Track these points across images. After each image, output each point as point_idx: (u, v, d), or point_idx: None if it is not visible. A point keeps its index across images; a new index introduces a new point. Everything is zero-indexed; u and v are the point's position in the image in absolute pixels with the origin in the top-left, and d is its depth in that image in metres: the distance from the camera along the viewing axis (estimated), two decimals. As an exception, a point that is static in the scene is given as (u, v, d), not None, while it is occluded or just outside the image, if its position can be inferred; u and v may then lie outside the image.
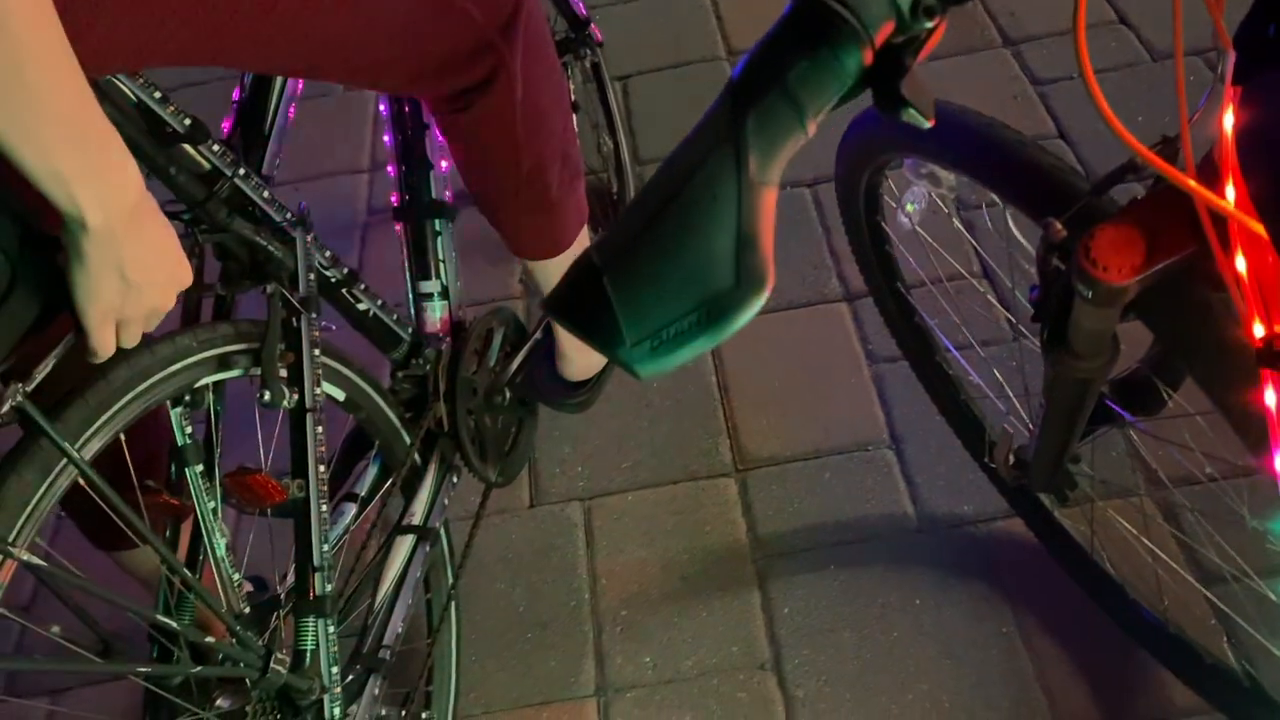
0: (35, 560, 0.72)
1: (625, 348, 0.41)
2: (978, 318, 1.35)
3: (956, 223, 1.07)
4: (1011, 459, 1.05)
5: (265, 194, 0.98)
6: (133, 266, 0.71)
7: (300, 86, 1.07)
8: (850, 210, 1.17)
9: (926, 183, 0.93)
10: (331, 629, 0.95)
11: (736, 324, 0.42)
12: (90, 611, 0.81)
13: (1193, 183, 0.57)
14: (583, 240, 1.23)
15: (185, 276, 0.77)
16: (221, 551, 0.91)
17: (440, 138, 1.21)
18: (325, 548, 0.96)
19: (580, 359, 1.34)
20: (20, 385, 0.72)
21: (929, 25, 0.44)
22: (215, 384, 0.92)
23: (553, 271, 1.23)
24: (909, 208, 0.98)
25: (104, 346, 0.76)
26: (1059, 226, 0.70)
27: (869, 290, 1.32)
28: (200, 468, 0.90)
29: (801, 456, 1.47)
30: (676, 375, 1.59)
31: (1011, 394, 1.16)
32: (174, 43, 0.81)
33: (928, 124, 0.44)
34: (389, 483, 1.18)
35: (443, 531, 1.23)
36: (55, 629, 0.79)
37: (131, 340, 0.78)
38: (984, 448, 1.25)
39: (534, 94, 1.05)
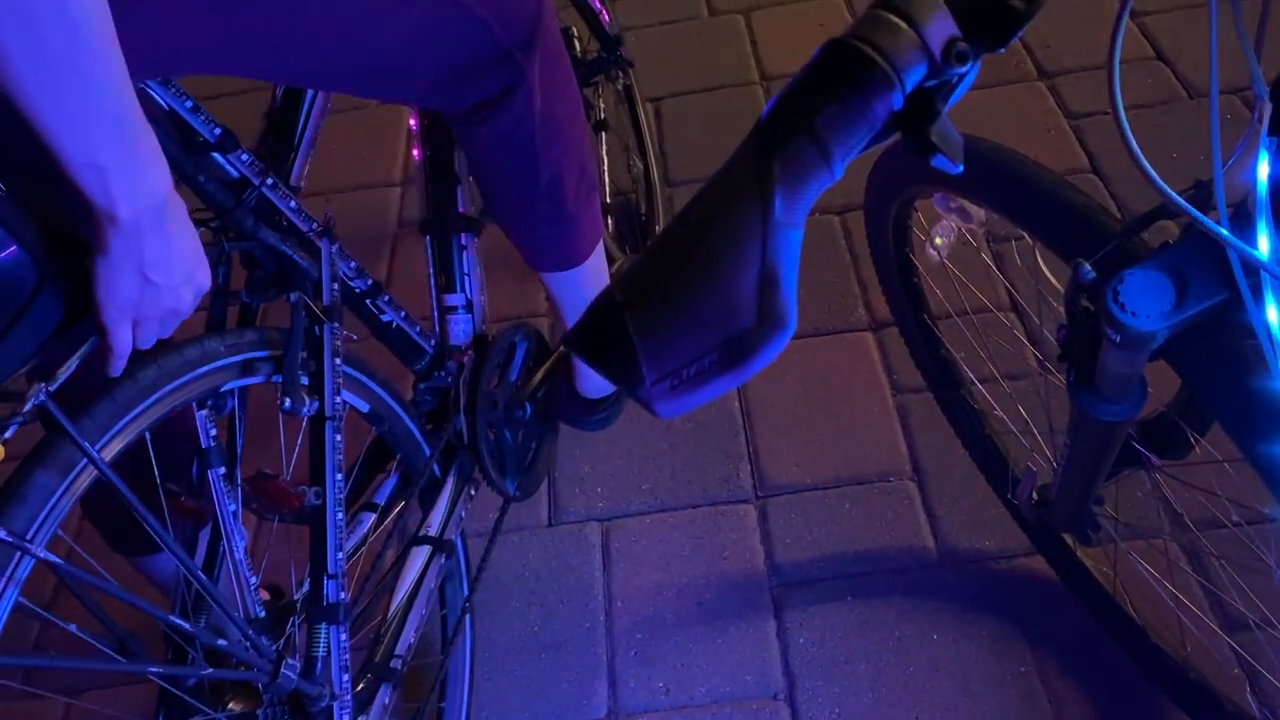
0: (53, 558, 0.73)
1: (645, 386, 0.40)
2: (1004, 352, 1.34)
3: (986, 257, 1.06)
4: (1035, 497, 1.04)
5: (293, 204, 0.99)
6: (154, 265, 0.72)
7: (330, 99, 1.08)
8: (878, 241, 1.17)
9: (956, 217, 0.92)
10: (344, 636, 0.95)
11: (757, 365, 0.41)
12: (107, 611, 0.81)
13: (1225, 232, 0.57)
14: (599, 254, 1.23)
15: (204, 281, 0.78)
16: (240, 555, 0.92)
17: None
18: (339, 556, 0.96)
19: (598, 377, 1.34)
20: (44, 384, 0.73)
21: (961, 71, 0.44)
22: (239, 389, 0.93)
23: (568, 284, 1.23)
24: (938, 241, 0.97)
25: (120, 344, 0.76)
26: (1089, 268, 0.70)
27: (895, 320, 1.31)
28: (223, 471, 0.91)
29: (822, 485, 1.46)
30: (699, 398, 1.59)
31: (1036, 431, 1.15)
32: (202, 52, 0.82)
33: (957, 170, 0.44)
34: (408, 493, 1.18)
35: (459, 544, 1.23)
36: (74, 627, 0.79)
37: (147, 340, 0.78)
38: (1007, 483, 1.24)
39: (551, 107, 1.06)
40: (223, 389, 0.91)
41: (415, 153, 1.27)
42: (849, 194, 1.73)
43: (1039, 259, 0.89)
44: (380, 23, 0.88)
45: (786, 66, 2.14)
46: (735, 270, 0.41)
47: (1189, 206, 0.56)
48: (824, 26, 2.22)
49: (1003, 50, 0.44)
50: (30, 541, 0.73)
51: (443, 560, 1.15)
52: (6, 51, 0.60)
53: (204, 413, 0.90)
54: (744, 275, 0.41)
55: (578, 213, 1.14)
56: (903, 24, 0.43)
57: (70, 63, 0.62)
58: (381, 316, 1.14)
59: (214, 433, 0.90)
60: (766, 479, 1.48)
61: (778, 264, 0.41)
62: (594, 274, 1.22)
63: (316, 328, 0.97)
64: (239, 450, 0.95)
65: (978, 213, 0.91)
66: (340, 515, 0.96)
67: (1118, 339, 0.67)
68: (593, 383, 1.32)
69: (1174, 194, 0.56)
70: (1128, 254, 0.73)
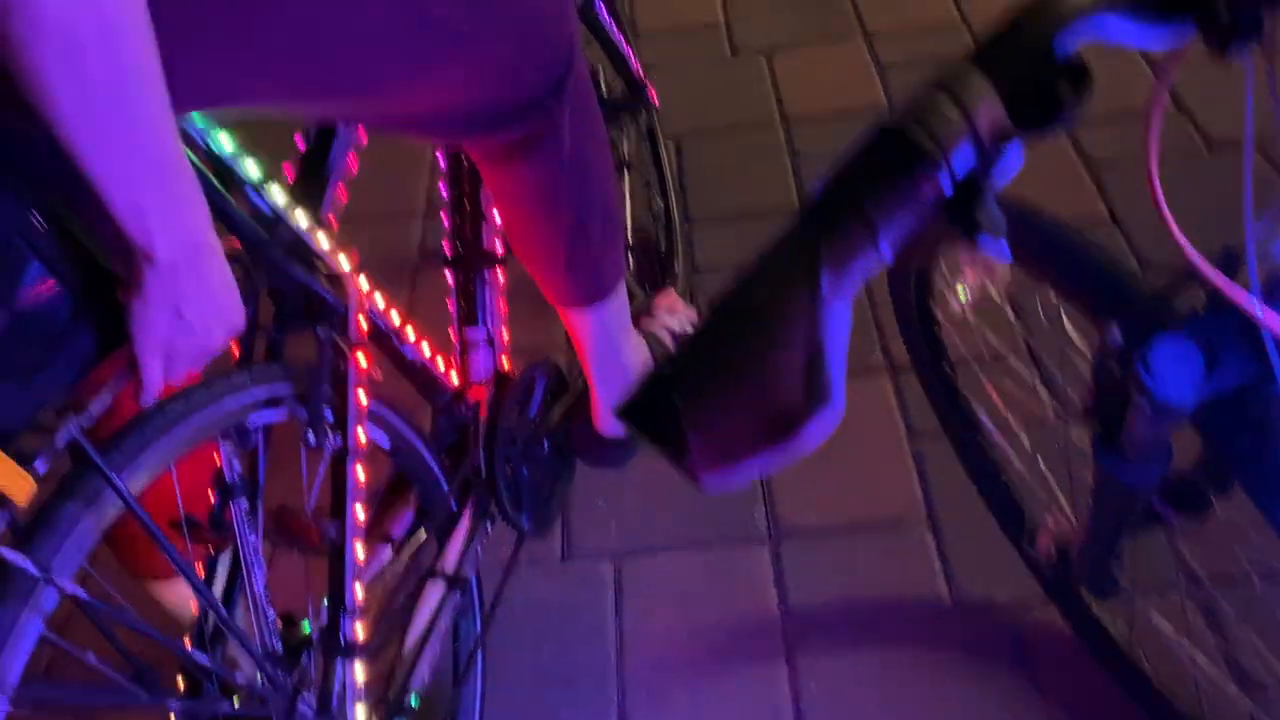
0: (80, 592, 0.73)
1: (692, 460, 0.41)
2: (1023, 402, 1.34)
3: (1009, 311, 1.07)
4: (1053, 552, 1.04)
5: (322, 239, 1.00)
6: (189, 304, 0.73)
7: (363, 135, 1.09)
8: (900, 291, 1.17)
9: (980, 271, 0.92)
10: (359, 672, 0.95)
11: (805, 443, 0.42)
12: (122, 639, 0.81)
13: (1256, 307, 0.57)
14: (620, 292, 1.24)
15: (239, 321, 0.79)
16: (259, 589, 0.92)
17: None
18: (358, 591, 0.96)
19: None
20: (76, 418, 0.74)
21: (1009, 156, 0.44)
22: (264, 423, 0.94)
23: (589, 322, 1.23)
24: (961, 294, 0.98)
25: (153, 381, 0.77)
26: (1117, 333, 0.70)
27: (914, 367, 1.31)
28: (245, 504, 0.91)
29: (837, 528, 1.45)
30: (714, 437, 1.59)
31: (1054, 483, 1.15)
32: (246, 91, 0.83)
33: (1005, 256, 0.44)
34: (425, 528, 1.18)
35: (474, 580, 1.23)
36: (91, 656, 0.80)
37: (178, 377, 0.79)
38: (1023, 533, 1.24)
39: (580, 150, 1.07)
40: (248, 423, 0.91)
41: (441, 187, 1.28)
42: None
43: (1063, 316, 0.89)
44: (418, 68, 0.90)
45: (807, 108, 2.16)
46: (782, 348, 0.41)
47: (1223, 281, 0.57)
48: (846, 68, 2.24)
49: (1051, 133, 0.45)
50: (56, 573, 0.73)
51: (458, 597, 1.15)
52: (54, 89, 0.61)
53: (228, 446, 0.90)
54: (791, 353, 0.41)
55: (601, 253, 1.15)
56: (952, 109, 0.43)
57: (115, 102, 0.63)
58: (405, 351, 1.15)
59: (237, 465, 0.91)
60: (781, 521, 1.48)
61: (824, 343, 0.42)
62: (615, 312, 1.23)
63: (342, 363, 0.98)
64: (261, 483, 0.95)
65: (1002, 269, 0.92)
66: (359, 551, 0.97)
67: (1147, 407, 0.67)
68: (612, 422, 1.32)
69: (1207, 266, 0.57)
70: (1157, 319, 0.73)
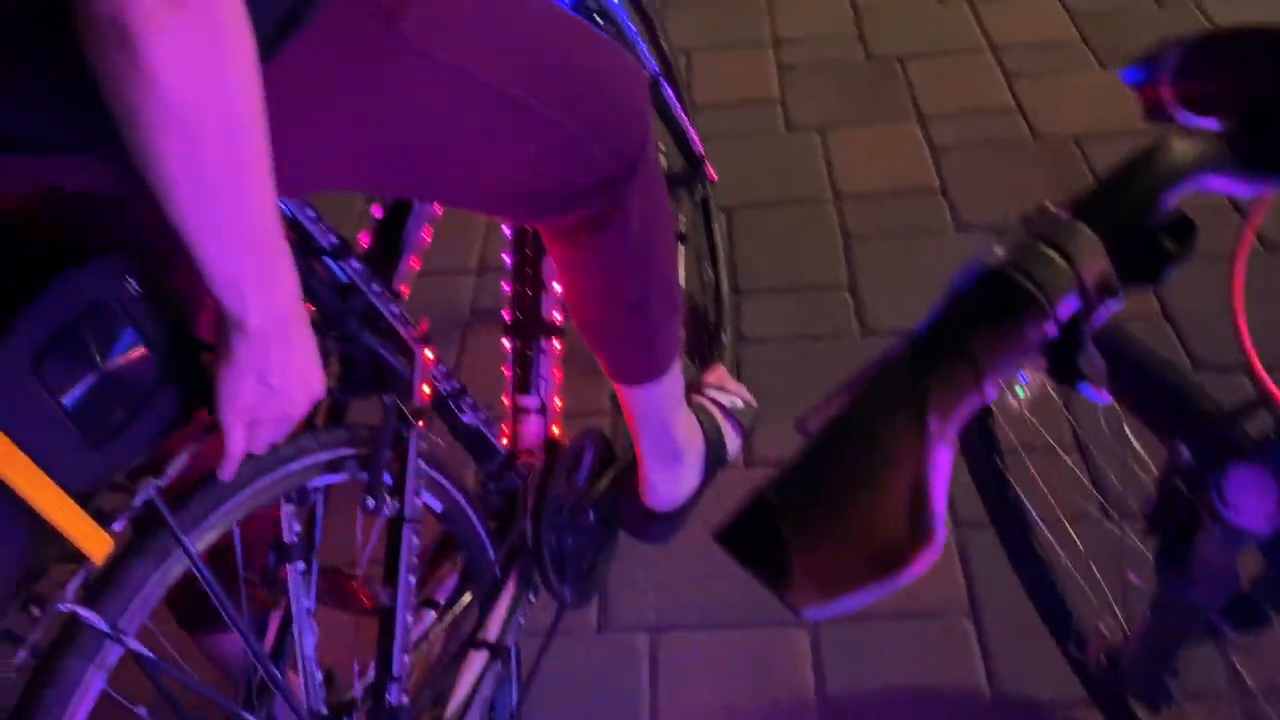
0: (144, 650, 0.74)
1: (794, 590, 0.42)
2: (1075, 501, 1.33)
3: (1069, 415, 1.06)
4: (1103, 659, 1.02)
5: (394, 309, 1.02)
6: (276, 372, 0.76)
7: (438, 208, 1.12)
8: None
9: (1043, 372, 0.93)
10: (401, 742, 0.95)
11: (905, 578, 0.42)
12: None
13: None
14: (676, 369, 1.25)
15: (320, 388, 0.81)
16: (309, 651, 0.93)
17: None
18: (405, 658, 0.97)
19: (665, 490, 1.34)
20: (154, 480, 0.76)
21: (1112, 304, 0.45)
22: (324, 485, 0.95)
23: (644, 397, 1.24)
24: (1019, 391, 0.98)
25: (235, 446, 0.79)
26: (1186, 452, 0.70)
27: (964, 455, 1.31)
28: (301, 564, 0.92)
29: (877, 615, 1.43)
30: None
31: (1107, 588, 1.14)
32: (334, 177, 0.86)
33: (1105, 400, 0.45)
34: (469, 593, 1.19)
35: (513, 649, 1.23)
36: (143, 710, 0.81)
37: (260, 444, 0.81)
38: (1068, 634, 1.22)
39: (645, 231, 1.09)
40: (309, 485, 0.93)
41: (505, 256, 1.31)
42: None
43: (1125, 426, 0.89)
44: (496, 150, 0.92)
45: (859, 186, 2.18)
46: (887, 484, 0.42)
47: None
48: (899, 148, 2.26)
49: (1154, 286, 0.45)
50: (123, 630, 0.74)
51: (499, 667, 1.15)
52: (171, 170, 0.64)
53: (290, 508, 0.92)
54: (895, 490, 0.42)
55: (660, 331, 1.16)
56: (1059, 259, 0.45)
57: (227, 186, 0.66)
58: (462, 417, 1.16)
59: (296, 527, 0.92)
60: (820, 603, 1.46)
61: (928, 481, 0.42)
62: (669, 389, 1.24)
63: (404, 429, 1.00)
64: (317, 545, 0.97)
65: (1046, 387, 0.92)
66: (409, 618, 0.97)
67: (1218, 533, 0.67)
68: (659, 496, 1.33)
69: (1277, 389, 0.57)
70: (1230, 444, 0.73)
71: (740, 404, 1.43)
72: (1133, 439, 0.90)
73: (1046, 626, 1.29)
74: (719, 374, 1.49)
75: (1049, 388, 1.02)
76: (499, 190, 0.99)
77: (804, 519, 0.42)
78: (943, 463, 0.44)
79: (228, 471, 0.80)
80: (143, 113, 0.61)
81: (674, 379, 1.24)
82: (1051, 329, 0.45)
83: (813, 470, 0.44)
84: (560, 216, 1.04)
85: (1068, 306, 0.45)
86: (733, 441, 1.41)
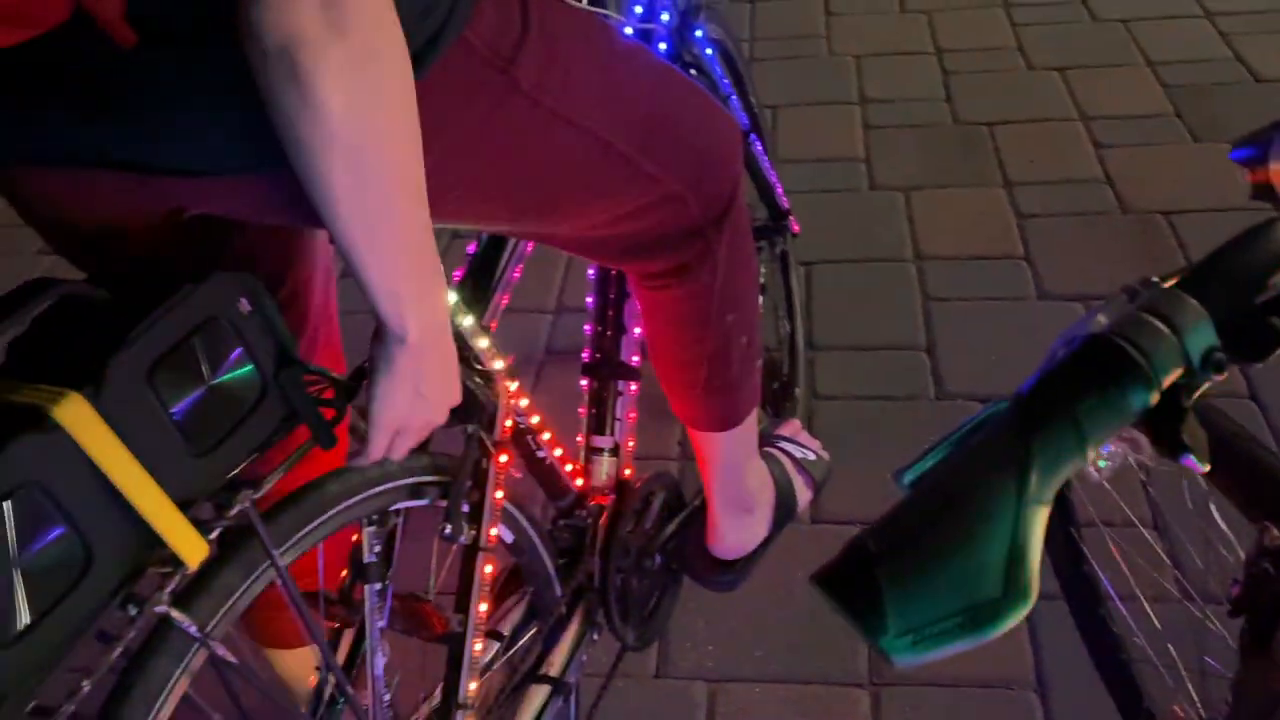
0: (229, 656, 0.77)
1: (888, 637, 0.42)
2: (1155, 581, 1.30)
3: (1149, 491, 1.04)
4: (1178, 744, 0.99)
5: (484, 343, 1.05)
6: (427, 381, 0.80)
7: (530, 247, 1.15)
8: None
9: (1127, 446, 0.92)
10: (463, 770, 0.96)
11: (997, 631, 0.43)
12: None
13: None
14: (752, 418, 1.26)
15: (458, 397, 0.85)
16: (379, 671, 0.95)
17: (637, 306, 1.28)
18: (472, 685, 0.98)
19: (733, 539, 1.35)
20: (251, 492, 0.79)
21: (1216, 378, 0.46)
22: (404, 509, 0.98)
23: (718, 444, 1.25)
24: (1101, 464, 0.97)
25: (378, 451, 0.84)
26: (1276, 534, 0.69)
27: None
28: (377, 585, 0.95)
29: (940, 682, 1.42)
30: (821, 569, 1.58)
31: (1183, 670, 1.11)
32: (438, 205, 0.90)
33: (1205, 469, 0.46)
34: (534, 628, 1.20)
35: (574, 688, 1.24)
36: (218, 717, 0.83)
37: (402, 450, 0.85)
38: (1139, 715, 1.19)
39: (731, 281, 1.10)
40: (391, 508, 0.95)
41: (588, 299, 1.33)
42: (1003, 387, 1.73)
43: (1212, 505, 0.88)
44: (596, 198, 0.95)
45: (941, 249, 2.18)
46: (986, 541, 0.43)
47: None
48: (984, 213, 2.26)
49: (1261, 363, 0.46)
50: (210, 637, 0.77)
51: (560, 703, 1.16)
52: (334, 188, 0.68)
53: (371, 529, 0.94)
54: (993, 546, 0.43)
55: (740, 380, 1.18)
56: (1166, 330, 0.45)
57: (386, 200, 0.70)
58: (538, 453, 1.18)
59: (377, 548, 0.95)
60: (883, 667, 1.45)
61: (1027, 540, 0.43)
62: (744, 439, 1.25)
63: (485, 460, 1.02)
64: (393, 567, 0.99)
65: (1149, 447, 0.91)
66: (478, 646, 0.99)
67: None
68: (726, 544, 1.33)
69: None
70: (1323, 529, 0.71)
71: (813, 456, 1.43)
72: (1218, 518, 0.88)
73: (1116, 706, 1.26)
74: (793, 426, 1.49)
75: (1130, 460, 1.01)
76: (592, 234, 1.01)
77: (903, 570, 0.43)
78: (1040, 523, 0.44)
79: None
80: (309, 137, 0.65)
81: (749, 428, 1.24)
82: (1154, 398, 0.45)
83: (912, 520, 0.45)
84: (649, 262, 1.06)
85: (1170, 375, 0.45)
86: (803, 494, 1.41)
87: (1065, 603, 1.32)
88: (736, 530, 1.33)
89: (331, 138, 0.65)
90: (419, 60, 0.72)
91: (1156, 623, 1.17)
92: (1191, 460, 0.46)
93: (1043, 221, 2.22)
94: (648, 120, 0.95)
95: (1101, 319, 0.46)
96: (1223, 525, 0.88)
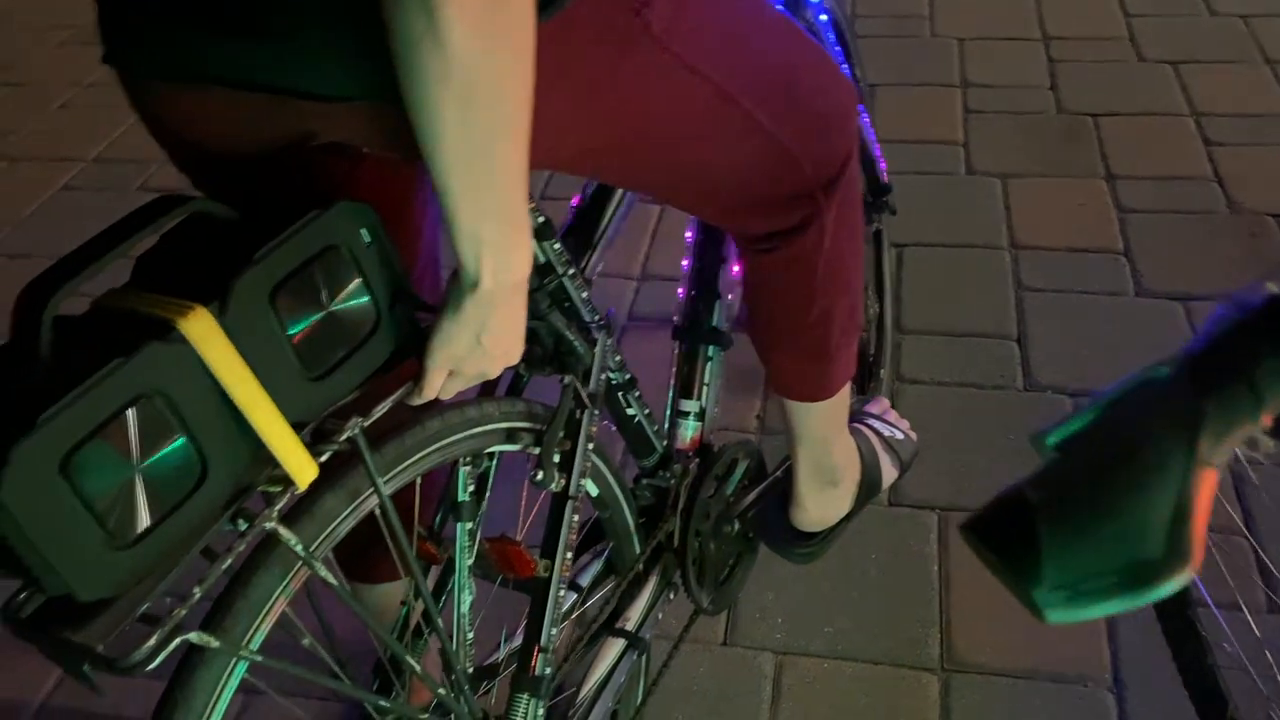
0: (330, 578, 0.78)
1: (1041, 590, 0.42)
2: (1257, 587, 1.26)
3: (1241, 499, 1.01)
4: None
5: (584, 294, 1.05)
6: (490, 332, 0.80)
7: (635, 202, 1.15)
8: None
9: (1243, 443, 0.89)
10: (541, 710, 0.97)
11: (1156, 594, 0.42)
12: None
13: None
14: (845, 392, 1.24)
15: (518, 355, 0.84)
16: (464, 609, 0.96)
17: (734, 271, 1.27)
18: (554, 631, 0.99)
19: (815, 511, 1.34)
20: (360, 419, 0.80)
21: None
22: (499, 453, 0.99)
23: (808, 415, 1.24)
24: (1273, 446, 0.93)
25: (431, 389, 0.84)
26: None
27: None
28: (470, 524, 0.96)
29: (1013, 673, 1.40)
30: (897, 552, 1.56)
31: (1278, 677, 1.08)
32: (554, 150, 0.90)
33: None
34: (612, 583, 1.21)
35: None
36: (307, 641, 0.85)
37: (452, 392, 0.85)
38: (1223, 723, 1.15)
39: (838, 248, 1.09)
40: (487, 450, 0.96)
41: (684, 262, 1.33)
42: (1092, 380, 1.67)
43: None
44: (718, 155, 0.94)
45: (1038, 238, 2.13)
46: (1153, 499, 0.42)
47: None
48: (1084, 205, 2.20)
49: None
50: (314, 557, 0.79)
51: (634, 656, 1.17)
52: (442, 120, 0.68)
53: (466, 469, 0.95)
54: (1159, 505, 0.42)
55: (838, 351, 1.16)
56: None
57: (489, 143, 0.70)
58: (627, 410, 1.19)
59: (471, 488, 0.96)
60: (955, 652, 1.43)
61: (1193, 500, 0.42)
62: (836, 408, 1.24)
63: (578, 411, 1.02)
64: (484, 508, 1.00)
65: (1266, 442, 0.88)
66: (562, 592, 1.00)
67: None
68: (809, 515, 1.32)
69: None
70: None
71: (901, 436, 1.42)
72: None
73: (1195, 708, 1.22)
74: (883, 404, 1.47)
75: (1244, 463, 0.98)
76: (704, 189, 1.01)
77: (1063, 521, 0.42)
78: (1209, 485, 0.43)
79: (416, 403, 0.84)
80: (427, 68, 0.65)
81: (842, 400, 1.23)
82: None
83: (1075, 474, 0.44)
84: (758, 221, 1.05)
85: None
86: (888, 473, 1.39)
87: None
88: (820, 503, 1.32)
89: (448, 70, 0.65)
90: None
91: (1257, 630, 1.14)
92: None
93: (1145, 217, 2.16)
94: (771, 76, 0.94)
95: (1273, 286, 0.45)
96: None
